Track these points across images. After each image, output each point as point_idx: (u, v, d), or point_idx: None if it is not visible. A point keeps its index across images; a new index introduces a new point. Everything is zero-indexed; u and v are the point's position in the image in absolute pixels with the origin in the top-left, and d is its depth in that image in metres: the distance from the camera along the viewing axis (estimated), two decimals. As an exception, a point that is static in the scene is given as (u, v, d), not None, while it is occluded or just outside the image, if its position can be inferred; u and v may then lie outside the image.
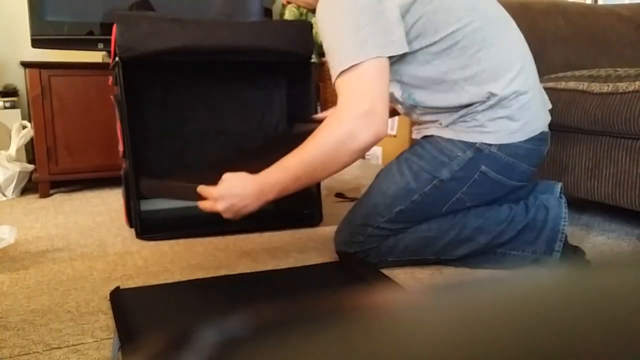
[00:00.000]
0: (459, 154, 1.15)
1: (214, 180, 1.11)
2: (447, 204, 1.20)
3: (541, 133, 1.19)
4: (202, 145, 1.78)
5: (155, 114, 1.74)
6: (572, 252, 1.26)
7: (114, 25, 1.45)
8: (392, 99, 1.22)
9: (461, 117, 1.16)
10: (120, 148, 1.55)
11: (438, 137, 1.19)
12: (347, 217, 1.29)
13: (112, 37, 1.46)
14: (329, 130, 1.05)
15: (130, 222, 1.56)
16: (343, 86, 1.05)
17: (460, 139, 1.16)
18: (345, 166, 1.08)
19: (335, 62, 1.06)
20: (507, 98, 1.12)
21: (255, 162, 1.15)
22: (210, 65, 1.74)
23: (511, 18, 1.22)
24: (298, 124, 1.54)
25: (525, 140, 1.15)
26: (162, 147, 1.74)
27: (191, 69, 1.73)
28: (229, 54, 1.53)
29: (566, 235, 1.23)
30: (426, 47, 1.12)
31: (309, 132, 1.09)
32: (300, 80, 1.69)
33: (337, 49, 1.05)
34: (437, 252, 1.23)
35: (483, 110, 1.14)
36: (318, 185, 1.64)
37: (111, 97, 1.63)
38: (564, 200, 1.25)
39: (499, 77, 1.12)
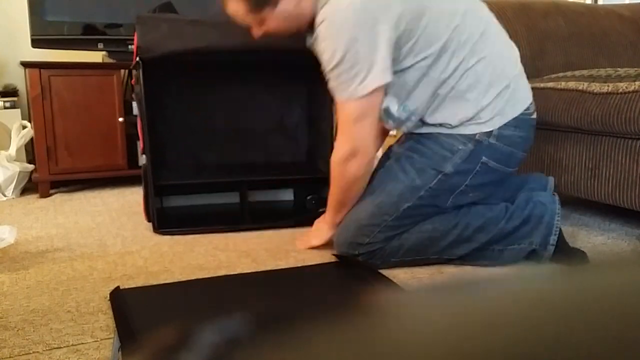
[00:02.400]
0: (460, 147, 1.19)
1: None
2: (452, 197, 1.22)
3: (531, 118, 1.24)
4: (221, 144, 1.83)
5: (175, 113, 1.79)
6: (573, 253, 1.27)
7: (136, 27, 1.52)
8: (387, 115, 1.24)
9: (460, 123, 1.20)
10: (140, 145, 1.61)
11: (437, 133, 1.22)
12: (349, 218, 1.29)
13: (135, 39, 1.52)
14: (339, 176, 1.25)
15: (149, 217, 1.62)
16: (340, 118, 1.21)
17: (459, 133, 1.19)
18: (362, 185, 1.28)
19: (334, 89, 1.18)
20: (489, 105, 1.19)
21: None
22: (230, 66, 1.78)
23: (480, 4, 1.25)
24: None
25: (517, 126, 1.20)
26: (181, 145, 1.80)
27: (211, 69, 1.78)
28: (246, 54, 1.57)
29: (563, 237, 1.27)
30: (419, 61, 1.17)
31: None
32: (316, 80, 1.72)
33: (336, 78, 1.15)
34: (439, 251, 1.24)
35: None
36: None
37: (132, 95, 1.67)
38: (557, 197, 1.30)
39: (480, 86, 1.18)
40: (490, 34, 1.20)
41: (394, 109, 1.22)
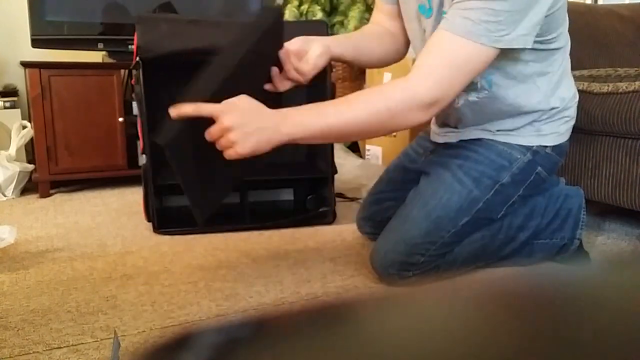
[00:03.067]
0: (518, 157, 1.14)
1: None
2: (504, 209, 1.16)
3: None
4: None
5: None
6: (580, 253, 1.27)
7: (136, 27, 1.52)
8: None
9: (516, 129, 1.16)
10: (140, 145, 1.61)
11: (491, 140, 1.16)
12: (395, 236, 1.16)
13: (135, 39, 1.52)
14: (386, 101, 0.94)
15: (148, 217, 1.62)
16: (437, 52, 0.95)
17: (517, 143, 1.15)
18: (377, 135, 1.03)
19: (453, 16, 0.95)
20: (568, 108, 1.16)
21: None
22: None
23: None
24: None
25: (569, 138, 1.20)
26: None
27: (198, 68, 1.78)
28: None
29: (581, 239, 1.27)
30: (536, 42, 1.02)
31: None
32: (317, 80, 1.72)
33: (472, 9, 0.92)
34: (487, 257, 1.20)
35: (543, 120, 1.15)
36: (332, 184, 1.68)
37: (132, 95, 1.68)
38: (581, 189, 1.28)
39: (565, 81, 1.15)
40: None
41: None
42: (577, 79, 1.50)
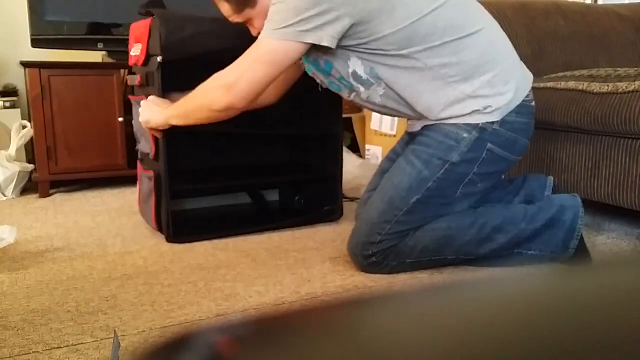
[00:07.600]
0: (465, 135, 1.18)
1: None
2: (460, 187, 1.20)
3: (531, 106, 1.24)
4: (229, 145, 1.80)
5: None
6: (586, 255, 1.27)
7: (150, 25, 1.43)
8: (355, 78, 1.23)
9: (451, 104, 1.19)
10: (152, 150, 1.50)
11: (440, 123, 1.21)
12: (360, 219, 1.28)
13: (146, 36, 1.45)
14: (203, 91, 1.24)
15: (159, 226, 1.51)
16: (248, 51, 1.18)
17: (464, 122, 1.18)
18: (210, 119, 1.27)
19: (267, 23, 1.15)
20: (485, 88, 1.17)
21: None
22: None
23: None
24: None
25: (519, 113, 1.19)
26: (190, 148, 1.74)
27: (220, 69, 1.74)
28: None
29: (583, 240, 1.26)
30: (393, 51, 1.16)
31: None
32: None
33: (279, 12, 1.13)
34: (457, 251, 1.22)
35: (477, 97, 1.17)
36: (340, 183, 1.70)
37: (130, 97, 1.62)
38: (579, 198, 1.28)
39: (474, 74, 1.17)
40: (482, 19, 1.19)
41: (361, 70, 1.20)
42: (577, 79, 1.50)
